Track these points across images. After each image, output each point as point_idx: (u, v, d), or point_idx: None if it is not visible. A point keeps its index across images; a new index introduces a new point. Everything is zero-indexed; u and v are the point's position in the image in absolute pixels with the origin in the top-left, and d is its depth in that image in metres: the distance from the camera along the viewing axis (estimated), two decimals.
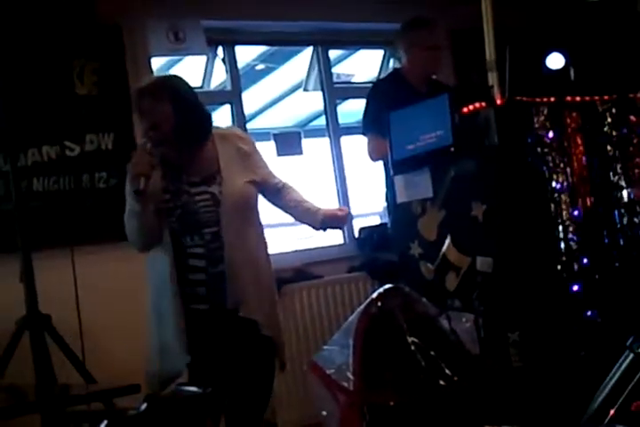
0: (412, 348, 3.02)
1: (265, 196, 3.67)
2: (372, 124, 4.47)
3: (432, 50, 4.65)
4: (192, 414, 2.77)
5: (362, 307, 3.20)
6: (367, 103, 4.69)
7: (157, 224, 3.42)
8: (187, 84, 3.59)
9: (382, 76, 6.05)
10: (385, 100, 4.45)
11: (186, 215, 3.44)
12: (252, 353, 3.56)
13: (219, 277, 3.47)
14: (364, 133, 4.65)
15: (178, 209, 3.44)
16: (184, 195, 3.46)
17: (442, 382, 2.98)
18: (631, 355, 2.88)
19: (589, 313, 3.62)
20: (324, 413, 3.11)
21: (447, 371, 3.01)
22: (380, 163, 4.61)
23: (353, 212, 5.75)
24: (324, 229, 3.67)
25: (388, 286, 3.26)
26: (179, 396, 3.00)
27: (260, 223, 3.63)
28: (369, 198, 5.98)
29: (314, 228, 3.71)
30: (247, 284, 3.49)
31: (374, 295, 3.20)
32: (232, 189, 3.48)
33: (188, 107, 3.47)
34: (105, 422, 2.71)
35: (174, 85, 3.52)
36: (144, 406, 2.65)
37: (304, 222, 3.75)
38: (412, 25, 4.71)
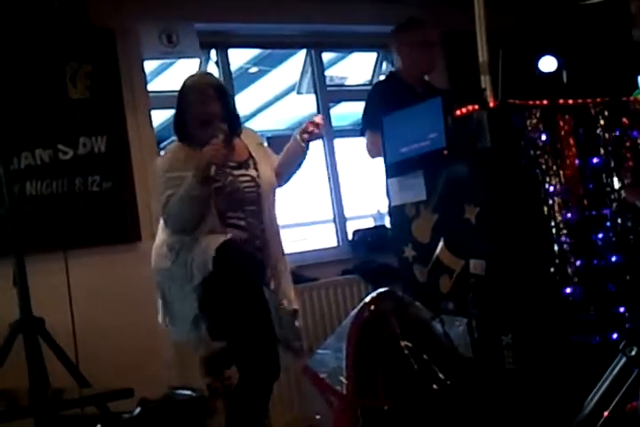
0: (406, 352, 3.02)
1: None
2: (372, 123, 4.43)
3: (422, 47, 4.62)
4: (185, 417, 2.78)
5: (355, 311, 3.20)
6: (367, 103, 4.66)
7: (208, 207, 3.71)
8: None
9: (377, 78, 6.05)
10: (385, 101, 4.43)
11: (233, 193, 3.77)
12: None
13: (256, 252, 3.79)
14: (362, 133, 4.62)
15: (227, 187, 3.75)
16: (229, 176, 3.78)
17: (435, 386, 2.99)
18: (624, 358, 2.88)
19: (583, 315, 3.63)
20: (318, 416, 3.12)
21: (440, 375, 3.02)
22: (381, 165, 4.59)
23: (347, 214, 5.77)
24: (308, 143, 3.95)
25: (381, 289, 3.27)
26: (172, 400, 3.01)
27: None
28: (363, 201, 5.97)
29: (303, 152, 3.98)
30: (280, 263, 3.88)
31: (367, 299, 3.21)
32: (266, 174, 3.89)
33: (231, 103, 3.93)
34: (99, 426, 2.71)
35: (221, 83, 4.01)
36: (138, 410, 2.66)
37: (294, 159, 4.01)
38: (402, 25, 4.72)
